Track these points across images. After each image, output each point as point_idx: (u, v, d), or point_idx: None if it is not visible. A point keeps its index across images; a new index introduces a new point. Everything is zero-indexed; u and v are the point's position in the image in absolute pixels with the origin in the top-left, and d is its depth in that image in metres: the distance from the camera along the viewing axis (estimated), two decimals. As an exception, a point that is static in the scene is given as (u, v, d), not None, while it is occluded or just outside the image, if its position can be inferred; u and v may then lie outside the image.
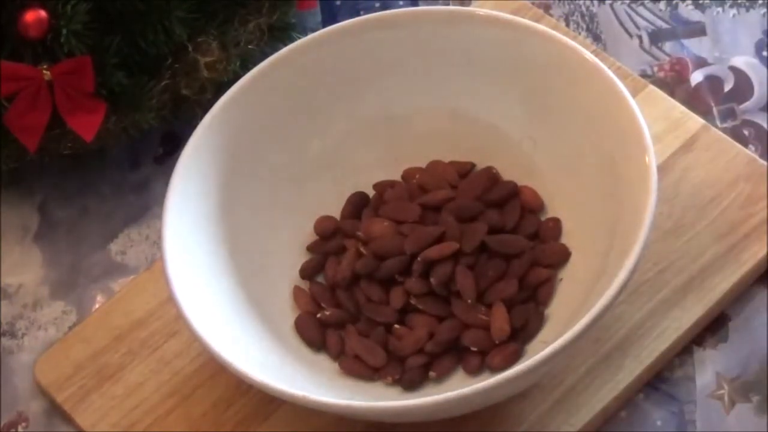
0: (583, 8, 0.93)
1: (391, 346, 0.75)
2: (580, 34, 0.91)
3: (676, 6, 0.92)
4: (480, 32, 0.78)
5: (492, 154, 0.80)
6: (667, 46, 0.91)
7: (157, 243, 0.84)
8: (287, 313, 0.77)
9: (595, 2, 0.93)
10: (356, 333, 0.76)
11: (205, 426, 0.76)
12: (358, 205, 0.81)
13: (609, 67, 0.74)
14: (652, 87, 0.85)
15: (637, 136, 0.71)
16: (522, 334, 0.74)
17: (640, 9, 0.93)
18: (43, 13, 0.78)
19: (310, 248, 0.80)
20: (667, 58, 0.90)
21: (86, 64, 0.80)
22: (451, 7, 0.88)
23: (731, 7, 0.92)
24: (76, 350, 0.80)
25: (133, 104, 0.83)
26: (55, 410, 0.79)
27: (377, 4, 0.95)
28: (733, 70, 0.89)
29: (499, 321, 0.73)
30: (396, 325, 0.75)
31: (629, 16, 0.92)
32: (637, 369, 0.74)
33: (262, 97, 0.78)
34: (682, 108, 0.84)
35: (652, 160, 0.70)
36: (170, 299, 0.70)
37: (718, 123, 0.86)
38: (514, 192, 0.79)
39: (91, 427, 0.77)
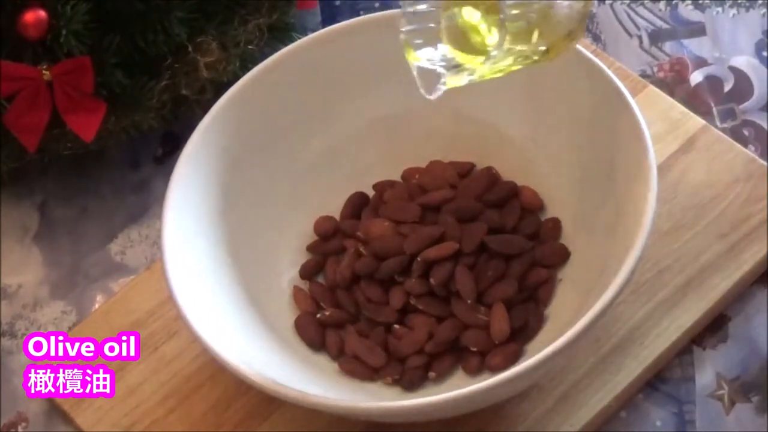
0: (583, 8, 0.93)
1: (390, 346, 0.75)
2: (579, 34, 0.91)
3: (676, 6, 0.92)
4: (480, 32, 0.78)
5: (492, 154, 0.80)
6: (667, 46, 0.91)
7: (156, 243, 0.84)
8: (287, 313, 0.77)
9: (595, 2, 0.93)
10: (356, 333, 0.76)
11: (204, 426, 0.76)
12: (357, 205, 0.81)
13: (609, 67, 0.74)
14: (651, 87, 0.85)
15: (636, 136, 0.71)
16: (522, 334, 0.74)
17: (640, 9, 0.93)
18: (42, 14, 0.78)
19: (310, 248, 0.80)
20: (667, 58, 0.90)
21: (86, 64, 0.80)
22: (451, 7, 0.88)
23: (731, 7, 0.92)
24: (75, 350, 0.80)
25: (133, 104, 0.83)
26: (55, 410, 0.79)
27: (377, 4, 0.95)
28: (733, 70, 0.89)
29: (499, 321, 0.73)
30: (396, 326, 0.75)
31: (629, 16, 0.92)
32: (637, 369, 0.74)
33: (262, 98, 0.78)
34: (682, 108, 0.84)
35: (652, 161, 0.70)
36: (170, 299, 0.70)
37: (717, 123, 0.86)
38: (513, 192, 0.79)
39: (90, 427, 0.77)
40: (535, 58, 0.67)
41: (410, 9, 0.68)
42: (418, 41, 0.68)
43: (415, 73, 0.68)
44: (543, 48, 0.66)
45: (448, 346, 0.74)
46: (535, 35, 0.65)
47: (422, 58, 0.68)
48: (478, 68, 0.66)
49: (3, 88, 0.80)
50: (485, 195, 0.78)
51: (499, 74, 0.67)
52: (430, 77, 0.68)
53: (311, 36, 0.79)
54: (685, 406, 0.75)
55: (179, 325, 0.75)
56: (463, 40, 0.67)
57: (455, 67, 0.67)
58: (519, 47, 0.65)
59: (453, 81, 0.67)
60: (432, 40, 0.68)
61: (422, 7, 0.67)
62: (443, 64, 0.67)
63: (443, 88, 0.67)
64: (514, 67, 0.67)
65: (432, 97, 0.68)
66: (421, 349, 0.74)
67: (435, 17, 0.67)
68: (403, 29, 0.68)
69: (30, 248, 0.87)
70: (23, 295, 0.85)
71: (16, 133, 0.82)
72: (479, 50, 0.66)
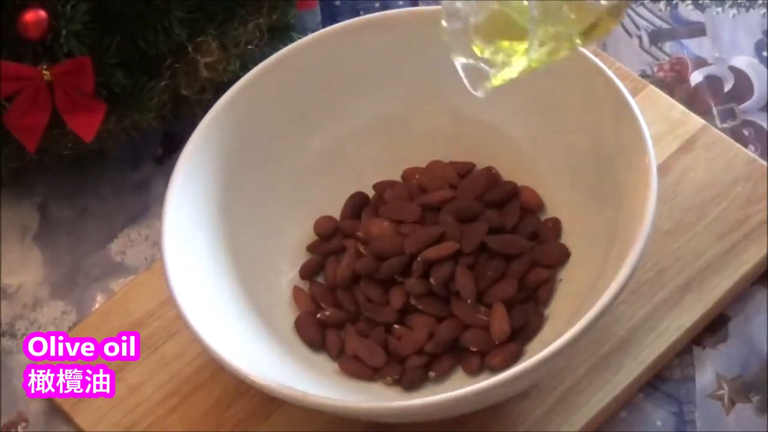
0: (583, 8, 0.93)
1: (390, 346, 0.75)
2: (579, 34, 0.91)
3: (676, 6, 0.92)
4: (480, 32, 0.78)
5: (492, 154, 0.80)
6: (667, 46, 0.91)
7: (156, 243, 0.84)
8: (287, 313, 0.77)
9: (595, 2, 0.93)
10: (356, 333, 0.76)
11: (204, 426, 0.76)
12: (357, 205, 0.81)
13: (609, 67, 0.74)
14: (651, 87, 0.85)
15: (637, 136, 0.71)
16: (522, 334, 0.74)
17: (640, 9, 0.93)
18: (42, 14, 0.78)
19: (310, 248, 0.80)
20: (667, 58, 0.90)
21: (86, 64, 0.80)
22: (451, 7, 0.88)
23: (731, 7, 0.92)
24: (75, 350, 0.80)
25: (133, 104, 0.83)
26: (55, 410, 0.79)
27: (377, 5, 0.95)
28: (733, 70, 0.89)
29: (499, 321, 0.73)
30: (396, 326, 0.75)
31: (629, 16, 0.92)
32: (637, 369, 0.74)
33: (262, 98, 0.78)
34: (682, 108, 0.84)
35: (652, 161, 0.70)
36: (170, 299, 0.70)
37: (717, 123, 0.86)
38: (513, 192, 0.79)
39: (90, 427, 0.77)
40: (578, 41, 0.66)
41: (450, 7, 0.67)
42: (462, 40, 0.67)
43: (460, 71, 0.68)
44: (581, 27, 0.66)
45: (448, 346, 0.74)
46: (569, 12, 0.65)
47: (466, 55, 0.67)
48: (522, 59, 0.66)
49: (3, 88, 0.80)
50: (485, 195, 0.78)
51: (544, 62, 0.67)
52: (477, 74, 0.67)
53: (311, 36, 0.79)
54: (685, 406, 0.75)
55: (179, 325, 0.75)
56: (505, 26, 0.66)
57: (499, 64, 0.67)
58: (556, 28, 0.65)
59: (501, 76, 0.67)
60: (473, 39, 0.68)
61: (460, 5, 0.67)
62: (487, 61, 0.67)
63: (489, 85, 0.67)
64: (561, 53, 0.67)
65: (480, 95, 0.67)
66: (421, 349, 0.74)
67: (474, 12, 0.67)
68: (447, 28, 0.67)
69: (30, 248, 0.87)
70: (23, 295, 0.85)
71: (16, 133, 0.82)
72: (522, 33, 0.66)
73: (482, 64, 0.67)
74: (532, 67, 0.67)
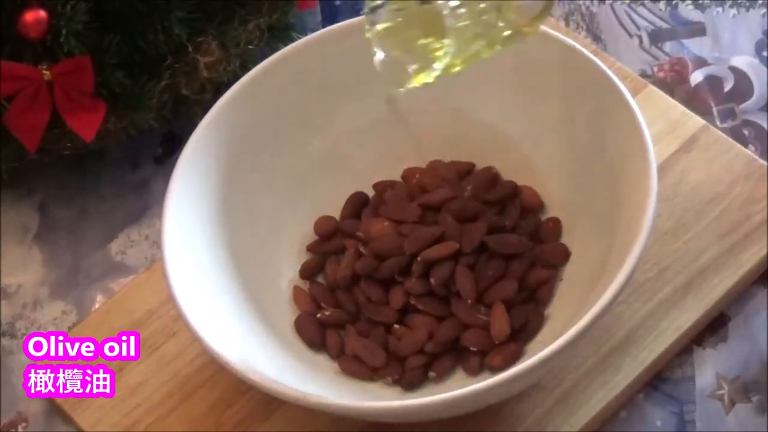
0: (583, 8, 0.93)
1: (390, 346, 0.75)
2: (580, 34, 0.91)
3: (676, 6, 0.92)
4: (480, 32, 0.78)
5: (492, 154, 0.80)
6: (667, 46, 0.91)
7: (156, 243, 0.84)
8: (287, 313, 0.77)
9: (595, 2, 0.93)
10: (356, 333, 0.76)
11: (205, 426, 0.76)
12: (357, 205, 0.81)
13: (609, 67, 0.74)
14: (651, 87, 0.85)
15: (637, 136, 0.71)
16: (522, 334, 0.74)
17: (640, 9, 0.93)
18: (42, 14, 0.78)
19: (310, 248, 0.80)
20: (667, 58, 0.90)
21: (86, 64, 0.80)
22: (451, 7, 0.87)
23: (731, 7, 0.92)
24: (75, 350, 0.80)
25: (133, 104, 0.83)
26: (55, 410, 0.79)
27: (377, 4, 0.95)
28: (733, 70, 0.89)
29: (499, 321, 0.73)
30: (396, 325, 0.75)
31: (629, 16, 0.92)
32: (637, 369, 0.74)
33: (262, 97, 0.78)
34: (682, 108, 0.84)
35: (652, 160, 0.70)
36: (170, 299, 0.70)
37: (718, 123, 0.86)
38: (514, 192, 0.79)
39: (90, 427, 0.77)
40: (506, 33, 0.66)
41: (370, 9, 0.68)
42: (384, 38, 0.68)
43: (378, 67, 0.68)
44: (508, 32, 0.66)
45: (448, 346, 0.74)
46: (496, 18, 0.65)
47: (388, 54, 0.68)
48: (442, 61, 0.66)
49: (3, 88, 0.80)
50: (485, 195, 0.78)
51: (472, 60, 0.67)
52: (397, 71, 0.68)
53: (311, 36, 0.79)
54: (685, 406, 0.75)
55: (179, 325, 0.75)
56: (427, 24, 0.67)
57: (422, 63, 0.67)
58: (479, 31, 0.65)
59: (420, 78, 0.67)
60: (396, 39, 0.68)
61: (380, 2, 0.68)
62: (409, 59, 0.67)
63: (409, 84, 0.67)
64: (483, 55, 0.67)
65: (396, 92, 0.68)
66: (421, 349, 0.74)
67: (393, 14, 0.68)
68: (367, 25, 0.68)
69: (30, 248, 0.87)
70: (23, 295, 0.85)
71: (16, 133, 0.82)
72: (443, 32, 0.66)
73: (404, 61, 0.67)
74: (454, 70, 0.67)
